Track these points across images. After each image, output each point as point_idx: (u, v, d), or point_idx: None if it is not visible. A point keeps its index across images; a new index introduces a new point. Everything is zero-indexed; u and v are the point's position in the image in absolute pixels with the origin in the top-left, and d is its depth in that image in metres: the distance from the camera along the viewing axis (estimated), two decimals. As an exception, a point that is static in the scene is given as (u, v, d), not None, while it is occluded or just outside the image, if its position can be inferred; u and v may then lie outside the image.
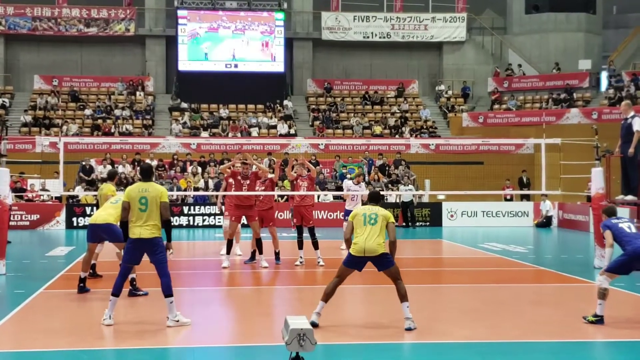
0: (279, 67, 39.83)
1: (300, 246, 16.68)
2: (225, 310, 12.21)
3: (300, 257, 16.61)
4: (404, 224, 28.23)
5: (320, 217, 27.72)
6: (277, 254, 16.64)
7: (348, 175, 21.17)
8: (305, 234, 16.61)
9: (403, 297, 10.07)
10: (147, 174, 10.61)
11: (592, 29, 41.65)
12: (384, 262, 10.17)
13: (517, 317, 10.97)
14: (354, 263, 10.23)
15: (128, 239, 10.45)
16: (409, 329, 9.96)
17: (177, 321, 10.26)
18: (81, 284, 12.88)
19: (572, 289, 14.07)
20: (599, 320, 10.42)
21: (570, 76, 39.51)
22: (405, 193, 27.67)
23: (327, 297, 10.23)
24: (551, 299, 12.55)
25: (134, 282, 12.56)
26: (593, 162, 16.86)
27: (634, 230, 10.79)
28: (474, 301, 12.30)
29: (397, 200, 29.64)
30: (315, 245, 16.54)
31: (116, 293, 10.45)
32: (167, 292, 10.27)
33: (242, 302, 12.72)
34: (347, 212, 19.24)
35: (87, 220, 27.16)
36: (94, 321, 10.58)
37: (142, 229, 10.31)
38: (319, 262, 16.34)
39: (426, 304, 12.07)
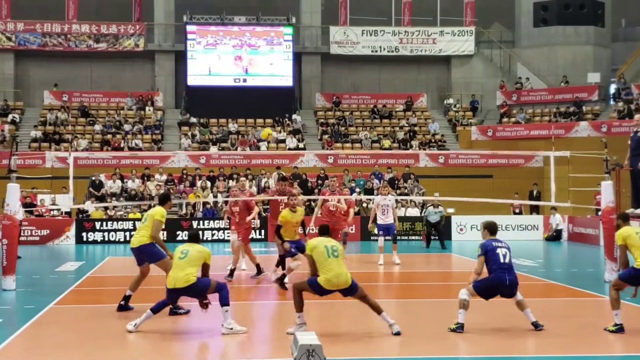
0: (287, 81, 39.92)
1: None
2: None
3: None
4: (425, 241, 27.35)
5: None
6: (258, 266, 16.77)
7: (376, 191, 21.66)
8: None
9: (378, 309, 10.50)
10: (193, 239, 11.40)
11: (600, 42, 41.63)
12: (352, 290, 10.55)
13: (526, 331, 10.92)
14: (322, 291, 10.57)
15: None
16: (397, 333, 10.19)
17: (231, 329, 10.57)
18: (122, 302, 12.51)
19: (583, 303, 14.01)
20: (458, 327, 10.70)
21: (579, 89, 39.48)
22: (435, 215, 26.89)
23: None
24: (561, 313, 12.49)
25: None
26: (603, 175, 16.80)
27: (507, 260, 10.81)
28: (483, 315, 12.25)
29: (405, 214, 29.55)
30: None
31: (155, 310, 10.89)
32: (224, 302, 10.64)
33: (250, 317, 12.70)
34: (380, 227, 19.57)
35: (96, 236, 27.55)
36: (104, 336, 10.59)
37: (177, 280, 10.73)
38: None
39: (435, 319, 12.04)
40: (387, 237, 19.72)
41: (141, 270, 12.66)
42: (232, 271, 16.39)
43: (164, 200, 12.95)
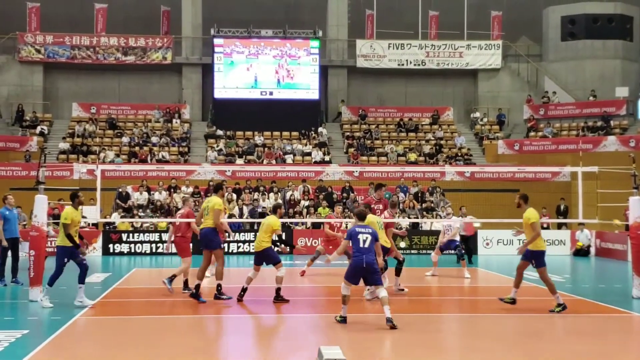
0: (313, 94, 40.03)
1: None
2: (257, 339, 12.16)
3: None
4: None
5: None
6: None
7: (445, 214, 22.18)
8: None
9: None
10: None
11: (629, 56, 41.36)
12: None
13: (553, 347, 10.82)
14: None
15: None
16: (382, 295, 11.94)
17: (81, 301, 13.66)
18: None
19: (610, 319, 13.85)
20: (342, 320, 12.21)
21: (607, 103, 39.22)
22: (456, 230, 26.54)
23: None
24: (588, 329, 12.36)
25: (219, 288, 14.51)
26: (631, 190, 16.65)
27: (367, 245, 12.14)
28: (510, 330, 12.17)
29: (432, 228, 29.39)
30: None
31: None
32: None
33: (274, 331, 12.69)
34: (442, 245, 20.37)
35: (123, 247, 27.67)
36: (130, 347, 10.62)
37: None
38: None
39: (462, 334, 11.98)
40: (451, 252, 20.52)
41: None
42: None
43: (217, 188, 15.08)
